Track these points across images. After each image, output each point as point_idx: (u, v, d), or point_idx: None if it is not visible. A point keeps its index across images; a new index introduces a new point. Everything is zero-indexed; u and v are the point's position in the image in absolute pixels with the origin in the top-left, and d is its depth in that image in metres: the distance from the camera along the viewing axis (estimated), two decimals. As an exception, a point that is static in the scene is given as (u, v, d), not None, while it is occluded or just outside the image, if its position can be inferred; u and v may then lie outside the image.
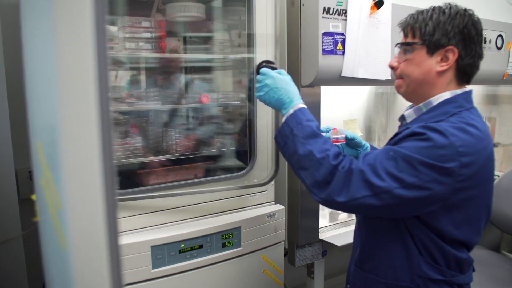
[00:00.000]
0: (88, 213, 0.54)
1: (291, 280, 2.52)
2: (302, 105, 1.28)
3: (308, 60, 1.63)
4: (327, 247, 1.85)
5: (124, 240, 1.34)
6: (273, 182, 1.68)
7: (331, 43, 1.61)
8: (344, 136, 1.43)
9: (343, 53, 1.65)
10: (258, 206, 1.64)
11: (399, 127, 1.31)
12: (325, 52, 1.60)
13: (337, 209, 1.26)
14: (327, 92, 2.36)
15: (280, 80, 1.31)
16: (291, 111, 1.26)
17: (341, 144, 1.43)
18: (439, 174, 1.07)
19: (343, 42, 1.64)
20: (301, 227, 1.74)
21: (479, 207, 1.19)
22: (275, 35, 1.56)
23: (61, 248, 0.58)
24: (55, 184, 0.63)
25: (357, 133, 2.19)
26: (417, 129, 1.11)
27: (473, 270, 1.32)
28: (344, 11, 1.64)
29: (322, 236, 1.83)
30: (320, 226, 1.87)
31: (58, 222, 0.61)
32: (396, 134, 1.20)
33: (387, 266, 1.25)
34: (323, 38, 1.59)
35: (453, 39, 1.16)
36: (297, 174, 1.24)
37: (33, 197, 0.84)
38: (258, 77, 1.35)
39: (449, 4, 1.21)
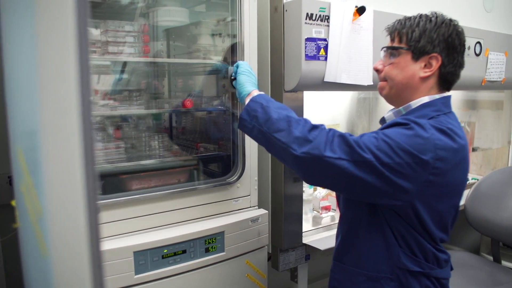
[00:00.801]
0: (70, 220, 0.53)
1: (275, 285, 2.52)
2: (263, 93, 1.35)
3: (291, 65, 1.64)
4: (310, 251, 1.86)
5: (106, 245, 1.33)
6: (256, 187, 1.69)
7: (314, 48, 1.63)
8: None
9: (325, 59, 1.66)
10: (241, 210, 1.64)
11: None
12: (308, 57, 1.61)
13: (313, 168, 1.17)
14: (310, 97, 2.38)
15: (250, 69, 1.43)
16: (255, 93, 1.33)
17: None
18: (414, 162, 1.10)
19: (325, 48, 1.66)
20: (285, 231, 1.74)
21: (447, 206, 1.23)
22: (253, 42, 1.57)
23: (42, 255, 0.56)
24: (36, 190, 0.61)
25: (340, 138, 2.22)
26: (400, 120, 1.16)
27: (451, 269, 1.35)
28: (326, 17, 1.66)
29: (306, 240, 1.84)
30: (303, 231, 1.88)
31: (38, 228, 0.59)
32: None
33: (368, 258, 1.28)
34: (306, 43, 1.60)
35: (438, 47, 1.21)
36: (271, 140, 1.21)
37: (13, 203, 0.82)
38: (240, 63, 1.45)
39: (436, 13, 1.26)
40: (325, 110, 2.54)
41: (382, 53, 1.32)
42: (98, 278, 0.53)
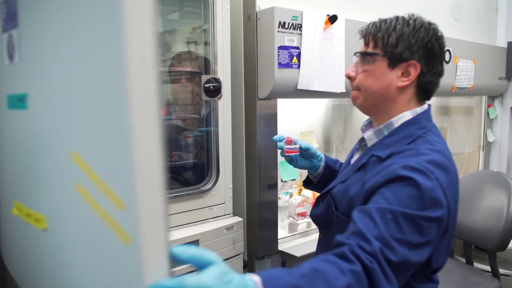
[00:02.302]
0: (151, 210, 0.65)
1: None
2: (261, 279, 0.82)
3: (264, 73, 1.65)
4: (286, 258, 1.87)
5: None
6: (231, 195, 1.69)
7: (287, 56, 1.64)
8: (298, 146, 1.36)
9: (298, 67, 1.68)
10: (216, 218, 1.63)
11: (357, 149, 1.25)
12: (281, 65, 1.63)
13: None
14: (286, 104, 2.40)
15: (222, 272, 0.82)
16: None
17: (295, 154, 1.36)
18: (436, 223, 0.97)
19: (298, 56, 1.68)
20: (260, 238, 1.75)
21: (452, 231, 1.11)
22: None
23: (126, 243, 0.66)
24: (111, 187, 0.68)
25: (314, 145, 2.23)
26: (402, 173, 0.98)
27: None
28: (299, 26, 1.68)
29: (281, 247, 1.84)
30: (279, 237, 1.88)
31: (113, 220, 0.68)
32: (363, 165, 1.11)
33: None
34: (278, 51, 1.62)
35: (416, 53, 1.07)
36: None
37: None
38: None
39: (414, 15, 1.13)
40: (301, 117, 2.56)
41: (355, 59, 1.16)
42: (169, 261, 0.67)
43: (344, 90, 1.85)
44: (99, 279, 0.76)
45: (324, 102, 2.72)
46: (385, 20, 1.12)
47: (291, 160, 1.38)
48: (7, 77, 0.96)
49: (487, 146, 3.20)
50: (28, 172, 0.94)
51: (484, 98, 3.22)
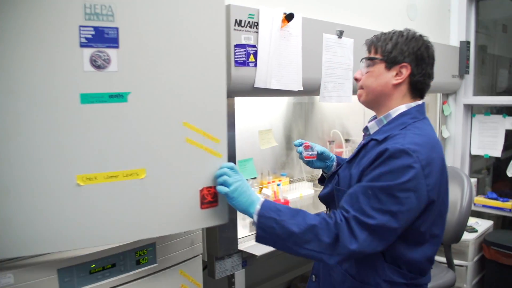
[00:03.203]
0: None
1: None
2: (262, 199, 1.30)
3: (221, 71, 1.63)
4: (247, 257, 1.86)
5: (27, 264, 1.25)
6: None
7: (244, 55, 1.63)
8: (315, 152, 1.59)
9: (255, 65, 1.67)
10: (174, 220, 1.60)
11: (363, 136, 1.48)
12: (238, 63, 1.62)
13: (354, 257, 1.32)
14: (246, 103, 2.39)
15: (244, 182, 1.32)
16: (258, 206, 1.27)
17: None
18: (414, 192, 1.20)
19: (255, 54, 1.67)
20: (220, 238, 1.73)
21: (444, 203, 1.35)
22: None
23: (219, 157, 1.38)
24: (211, 133, 1.35)
25: (272, 143, 2.23)
26: (387, 147, 1.23)
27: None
28: (255, 24, 1.67)
29: (242, 246, 1.83)
30: (240, 237, 1.87)
31: (212, 150, 1.36)
32: (363, 146, 1.37)
33: (360, 268, 1.37)
34: (235, 50, 1.61)
35: (408, 58, 1.33)
36: (301, 251, 1.24)
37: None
38: (231, 174, 1.32)
39: (409, 29, 1.39)
40: (261, 116, 2.56)
41: (361, 64, 1.43)
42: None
43: (302, 88, 1.86)
44: (199, 179, 1.35)
45: (284, 100, 2.73)
46: (385, 33, 1.40)
47: (308, 163, 1.63)
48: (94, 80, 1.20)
49: (442, 142, 3.31)
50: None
51: (439, 95, 3.32)
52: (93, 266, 1.37)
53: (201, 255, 1.66)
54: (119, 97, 1.21)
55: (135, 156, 1.25)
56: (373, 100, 1.39)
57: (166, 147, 1.28)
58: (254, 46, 1.67)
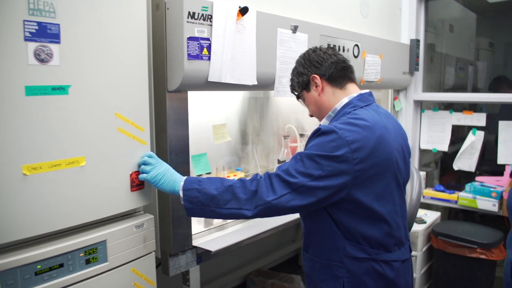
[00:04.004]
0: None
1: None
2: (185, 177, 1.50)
3: (173, 65, 1.60)
4: (201, 253, 1.84)
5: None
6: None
7: (197, 48, 1.60)
8: None
9: (209, 58, 1.65)
10: (125, 217, 1.56)
11: None
12: (191, 57, 1.59)
13: (270, 214, 1.42)
14: (201, 97, 2.35)
15: (167, 167, 1.52)
16: (181, 183, 1.47)
17: None
18: (336, 162, 1.35)
19: (208, 47, 1.64)
20: (173, 235, 1.70)
21: (386, 182, 1.45)
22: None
23: (144, 144, 1.52)
24: (138, 123, 1.50)
25: (226, 138, 2.22)
26: (318, 128, 1.43)
27: (410, 251, 1.62)
28: (209, 17, 1.64)
29: (196, 242, 1.81)
30: (194, 232, 1.85)
31: (139, 138, 1.52)
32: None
33: (322, 248, 1.52)
34: (188, 43, 1.58)
35: (308, 72, 1.57)
36: (224, 211, 1.41)
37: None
38: (150, 161, 1.51)
39: (300, 54, 1.64)
40: (216, 111, 2.53)
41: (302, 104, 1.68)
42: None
43: (256, 83, 1.85)
44: (129, 165, 1.50)
45: (240, 95, 2.72)
46: (290, 78, 1.67)
47: None
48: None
49: (394, 137, 3.40)
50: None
51: (390, 91, 3.41)
52: (39, 267, 1.31)
53: (154, 252, 1.62)
54: (61, 89, 1.29)
55: (75, 145, 1.35)
56: (323, 115, 1.58)
57: (102, 136, 1.41)
58: (207, 39, 1.64)
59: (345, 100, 1.53)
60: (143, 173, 1.50)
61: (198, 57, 1.61)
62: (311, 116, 1.66)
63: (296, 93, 1.65)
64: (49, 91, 1.26)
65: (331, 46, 2.33)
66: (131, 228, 1.52)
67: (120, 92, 1.45)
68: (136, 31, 1.48)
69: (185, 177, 1.49)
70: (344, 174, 1.36)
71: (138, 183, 1.53)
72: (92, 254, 1.43)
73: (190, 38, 1.58)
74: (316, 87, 1.55)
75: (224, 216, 1.44)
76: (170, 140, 1.65)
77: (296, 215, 2.18)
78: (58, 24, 1.26)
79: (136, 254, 1.55)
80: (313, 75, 1.55)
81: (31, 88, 1.23)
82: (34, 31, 1.21)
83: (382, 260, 1.46)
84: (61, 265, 1.36)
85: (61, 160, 1.31)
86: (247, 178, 1.44)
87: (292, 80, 1.65)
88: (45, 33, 1.23)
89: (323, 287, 1.53)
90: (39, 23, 1.22)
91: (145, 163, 1.50)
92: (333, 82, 1.55)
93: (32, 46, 1.21)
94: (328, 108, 1.55)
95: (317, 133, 1.42)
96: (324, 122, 1.57)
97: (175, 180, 1.48)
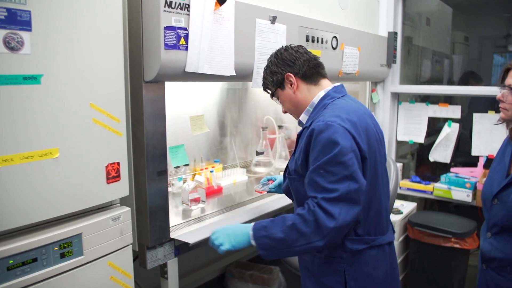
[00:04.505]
0: None
1: (146, 283, 2.44)
2: (253, 224, 1.52)
3: (150, 54, 1.57)
4: (180, 246, 1.82)
5: None
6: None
7: (174, 37, 1.58)
8: (267, 189, 1.99)
9: (186, 48, 1.62)
10: (101, 210, 1.53)
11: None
12: (168, 46, 1.56)
13: (340, 236, 1.44)
14: (178, 87, 2.33)
15: (224, 229, 1.56)
16: (251, 232, 1.49)
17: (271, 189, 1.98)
18: (352, 151, 1.40)
19: (186, 37, 1.62)
20: (151, 227, 1.68)
21: (375, 163, 1.52)
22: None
23: (120, 135, 1.51)
24: (114, 114, 1.48)
25: (204, 129, 2.20)
26: (313, 127, 1.44)
27: (393, 231, 1.70)
28: (186, 6, 1.61)
29: (174, 234, 1.79)
30: (172, 225, 1.83)
31: (115, 129, 1.49)
32: (298, 136, 1.58)
33: None
34: (165, 32, 1.55)
35: (282, 70, 1.61)
36: (296, 249, 1.42)
37: None
38: (214, 236, 1.57)
39: (272, 53, 1.68)
40: (194, 102, 2.51)
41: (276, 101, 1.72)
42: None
43: (234, 74, 1.84)
44: (104, 156, 1.47)
45: (218, 86, 2.70)
46: (262, 76, 1.70)
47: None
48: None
49: (371, 129, 3.43)
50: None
51: (368, 83, 3.44)
52: (11, 262, 1.27)
53: (131, 245, 1.60)
54: (32, 79, 1.25)
55: (48, 136, 1.31)
56: (299, 112, 1.64)
57: (76, 127, 1.38)
58: (185, 29, 1.61)
59: (321, 93, 1.59)
60: (220, 248, 1.53)
61: (175, 47, 1.58)
62: (285, 112, 1.71)
63: (270, 92, 1.69)
64: (20, 81, 1.22)
65: (310, 37, 2.33)
66: (107, 221, 1.50)
67: (95, 82, 1.41)
68: (111, 19, 1.44)
69: (251, 225, 1.51)
70: (359, 156, 1.43)
71: (114, 175, 1.51)
72: (67, 248, 1.40)
73: (167, 28, 1.55)
74: (291, 85, 1.60)
75: (300, 253, 1.53)
76: (146, 131, 1.62)
77: (275, 206, 2.19)
78: (29, 11, 1.21)
79: (112, 247, 1.53)
80: (287, 73, 1.59)
81: (1, 78, 1.18)
82: (3, 17, 1.16)
83: (378, 244, 1.55)
84: (34, 260, 1.32)
85: (33, 152, 1.27)
86: (303, 210, 1.43)
87: (265, 78, 1.67)
88: (15, 20, 1.18)
89: (325, 281, 1.57)
90: (8, 10, 1.17)
91: (213, 243, 1.55)
92: (307, 79, 1.60)
93: (1, 33, 1.16)
94: (304, 104, 1.61)
95: (314, 134, 1.43)
96: (303, 117, 1.62)
97: (245, 234, 1.50)
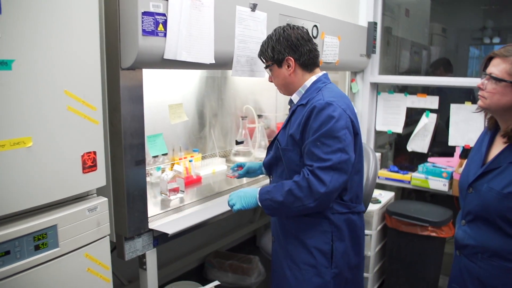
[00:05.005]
0: None
1: (125, 274, 2.41)
2: (259, 189, 1.76)
3: (127, 41, 1.53)
4: (158, 236, 1.80)
5: None
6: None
7: (152, 23, 1.53)
8: (236, 174, 2.11)
9: (165, 35, 1.58)
10: (76, 200, 1.49)
11: (289, 109, 1.83)
12: (146, 32, 1.52)
13: (329, 201, 1.67)
14: (156, 75, 2.28)
15: (237, 192, 1.80)
16: (257, 195, 1.75)
17: (240, 174, 2.11)
18: (346, 128, 1.62)
19: (164, 23, 1.58)
20: (128, 218, 1.65)
21: (360, 142, 1.76)
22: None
23: (96, 123, 1.46)
24: (90, 102, 1.44)
25: (183, 118, 2.17)
26: (315, 104, 1.63)
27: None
28: (165, -9, 1.57)
29: (153, 225, 1.77)
30: (150, 215, 1.80)
31: (90, 117, 1.44)
32: (292, 112, 1.75)
33: None
34: (143, 18, 1.50)
35: (285, 51, 1.71)
36: (294, 210, 1.66)
37: None
38: (229, 198, 1.82)
39: (276, 29, 1.76)
40: (173, 90, 2.47)
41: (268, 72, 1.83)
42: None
43: (214, 61, 1.80)
44: (80, 145, 1.42)
45: (197, 74, 2.66)
46: (263, 44, 1.78)
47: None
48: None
49: (351, 118, 3.44)
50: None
51: (347, 73, 3.45)
52: (-18, 254, 1.23)
53: (108, 236, 1.57)
54: (3, 64, 1.19)
55: (21, 124, 1.26)
56: (287, 91, 1.81)
57: (50, 115, 1.33)
58: (163, 14, 1.57)
59: (313, 78, 1.76)
60: (234, 208, 1.77)
61: (153, 33, 1.54)
62: (271, 81, 1.84)
63: (265, 63, 1.79)
64: (-11, 66, 1.16)
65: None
66: (83, 211, 1.46)
67: (69, 68, 1.36)
68: (86, 3, 1.39)
69: (258, 189, 1.75)
70: (352, 133, 1.65)
71: (90, 165, 1.46)
72: (41, 240, 1.36)
73: (144, 13, 1.51)
74: (288, 67, 1.72)
75: (296, 213, 1.70)
76: (124, 119, 1.58)
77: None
78: (-2, -7, 1.15)
79: (89, 238, 1.49)
80: (288, 57, 1.71)
81: (-31, 63, 1.13)
82: (-30, -1, 1.10)
83: (357, 211, 1.80)
84: (7, 252, 1.28)
85: (5, 140, 1.22)
86: (299, 177, 1.64)
87: (264, 50, 1.76)
88: (-17, 2, 1.12)
89: (312, 243, 1.76)
90: (-25, -9, 1.11)
91: (228, 203, 1.80)
92: (305, 67, 1.74)
93: (-32, 16, 1.10)
94: (297, 86, 1.77)
95: (315, 111, 1.62)
96: (295, 97, 1.78)
97: (252, 197, 1.75)
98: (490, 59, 1.55)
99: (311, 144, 1.62)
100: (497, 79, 1.49)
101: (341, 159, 1.60)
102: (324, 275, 1.75)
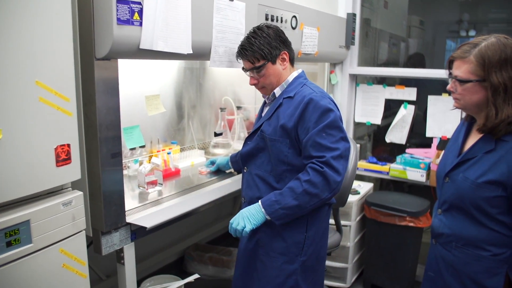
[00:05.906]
0: None
1: (102, 269, 2.38)
2: (260, 202, 1.77)
3: (101, 30, 1.48)
4: (136, 230, 1.77)
5: None
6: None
7: (127, 12, 1.49)
8: (208, 170, 2.34)
9: (140, 24, 1.54)
10: (50, 195, 1.45)
11: (265, 104, 1.97)
12: (120, 21, 1.47)
13: (340, 186, 1.74)
14: (132, 66, 2.23)
15: (239, 214, 1.78)
16: (262, 209, 1.75)
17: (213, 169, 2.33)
18: (341, 120, 1.76)
19: (140, 12, 1.53)
20: (105, 212, 1.61)
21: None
22: None
23: (70, 115, 1.43)
24: (62, 93, 1.39)
25: (160, 110, 2.13)
26: (311, 97, 1.72)
27: None
28: (140, -21, 1.53)
29: (130, 219, 1.73)
30: (128, 209, 1.77)
31: (64, 108, 1.40)
32: (279, 105, 1.82)
33: (277, 182, 1.84)
34: (117, 6, 1.46)
35: (280, 47, 1.81)
36: (310, 208, 1.73)
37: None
38: (232, 219, 1.79)
39: (262, 28, 1.81)
40: (150, 81, 2.42)
41: (248, 73, 1.87)
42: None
43: (191, 52, 1.77)
44: (53, 138, 1.38)
45: (175, 65, 2.62)
46: (250, 42, 1.79)
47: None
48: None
49: (330, 110, 3.44)
50: None
51: (326, 65, 3.44)
52: (-51, 251, 1.18)
53: (84, 231, 1.53)
54: None
55: None
56: (272, 89, 1.87)
57: (21, 106, 1.28)
58: (139, 3, 1.53)
59: (294, 73, 1.88)
60: (242, 232, 1.73)
61: (128, 22, 1.50)
62: (253, 85, 1.88)
63: (258, 63, 1.80)
64: (-47, 55, 1.10)
65: (269, 16, 2.29)
66: (57, 206, 1.42)
67: (40, 58, 1.31)
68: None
69: (259, 204, 1.76)
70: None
71: (64, 158, 1.42)
72: (13, 236, 1.31)
73: (119, 1, 1.46)
74: (282, 61, 1.83)
75: (309, 210, 1.74)
76: (99, 111, 1.54)
77: (233, 188, 2.17)
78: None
79: (64, 233, 1.45)
80: (284, 51, 1.82)
81: None
82: None
83: (330, 203, 1.90)
84: (-23, 249, 1.24)
85: (-27, 133, 1.17)
86: (302, 175, 1.71)
87: (259, 49, 1.77)
88: None
89: (286, 233, 1.83)
90: None
91: (236, 229, 1.74)
92: (292, 62, 1.88)
93: None
94: (282, 80, 1.86)
95: (312, 103, 1.70)
96: (277, 91, 1.86)
97: (258, 212, 1.75)
98: (451, 62, 1.58)
99: (316, 135, 1.68)
100: (463, 81, 1.51)
101: (346, 147, 1.72)
102: (294, 262, 1.85)
